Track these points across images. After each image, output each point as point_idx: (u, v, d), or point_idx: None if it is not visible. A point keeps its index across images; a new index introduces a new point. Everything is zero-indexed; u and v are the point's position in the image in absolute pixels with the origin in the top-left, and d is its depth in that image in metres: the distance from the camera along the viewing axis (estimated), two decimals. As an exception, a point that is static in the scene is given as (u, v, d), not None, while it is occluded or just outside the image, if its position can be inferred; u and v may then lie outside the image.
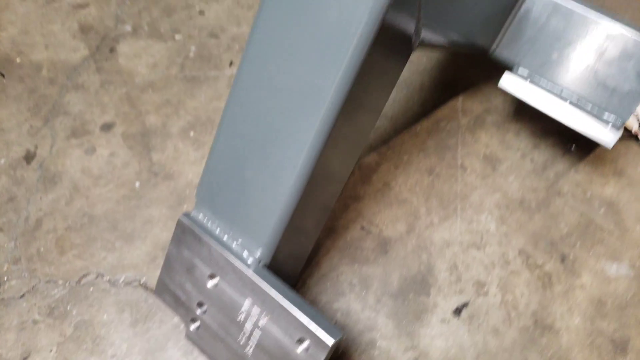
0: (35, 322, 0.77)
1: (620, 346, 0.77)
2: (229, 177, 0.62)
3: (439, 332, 0.78)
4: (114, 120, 0.99)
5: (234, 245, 0.63)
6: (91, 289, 0.80)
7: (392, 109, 1.03)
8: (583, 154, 0.97)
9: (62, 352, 0.75)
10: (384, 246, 0.86)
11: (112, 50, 1.09)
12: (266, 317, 0.60)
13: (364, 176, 0.93)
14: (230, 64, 1.08)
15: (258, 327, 0.61)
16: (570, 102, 0.80)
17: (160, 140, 0.96)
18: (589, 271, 0.84)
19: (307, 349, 0.58)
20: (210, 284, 0.64)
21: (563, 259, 0.85)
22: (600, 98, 0.80)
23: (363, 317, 0.79)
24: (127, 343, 0.75)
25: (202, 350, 0.67)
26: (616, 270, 0.84)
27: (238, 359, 0.63)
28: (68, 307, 0.78)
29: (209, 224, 0.65)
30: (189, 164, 0.94)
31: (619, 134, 0.78)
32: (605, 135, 0.77)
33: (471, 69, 1.10)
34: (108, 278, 0.81)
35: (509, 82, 0.83)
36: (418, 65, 1.10)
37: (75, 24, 1.13)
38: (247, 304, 0.61)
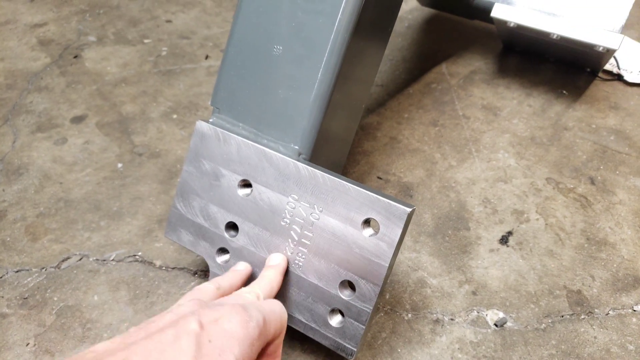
0: (3, 315, 0.58)
1: (682, 249, 0.68)
2: (250, 73, 0.51)
3: (490, 262, 0.65)
4: (86, 113, 0.85)
5: (266, 141, 0.50)
6: (75, 271, 0.62)
7: (380, 79, 0.96)
8: (575, 95, 0.93)
9: (42, 343, 0.56)
10: (407, 191, 0.74)
11: (76, 56, 0.98)
12: (319, 210, 0.46)
13: (368, 134, 0.83)
14: (206, 57, 0.99)
15: (309, 226, 0.47)
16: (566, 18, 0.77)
17: (140, 125, 0.83)
18: (621, 188, 0.75)
19: (376, 230, 0.44)
20: (242, 193, 0.50)
21: (592, 181, 0.76)
22: (591, 10, 0.77)
23: (404, 259, 0.65)
24: (128, 322, 0.57)
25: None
26: (648, 184, 0.76)
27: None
28: (47, 294, 0.60)
29: (233, 127, 0.52)
30: (175, 142, 0.80)
31: (621, 36, 0.74)
32: (610, 38, 0.73)
33: (445, 43, 1.07)
34: (95, 258, 0.64)
35: (501, 10, 0.79)
36: (395, 44, 1.06)
37: (34, 39, 1.02)
38: (291, 202, 0.47)
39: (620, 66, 0.97)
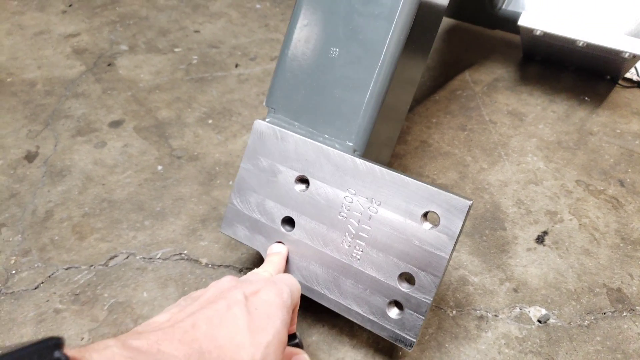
0: (57, 311, 0.58)
1: None
2: (306, 74, 0.52)
3: (529, 260, 0.66)
4: (123, 118, 0.86)
5: (321, 139, 0.51)
6: (123, 269, 0.63)
7: (406, 86, 0.97)
8: (597, 102, 0.94)
9: (96, 338, 0.56)
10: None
11: (110, 64, 0.99)
12: (377, 204, 0.47)
13: (399, 138, 0.84)
14: (236, 65, 1.00)
15: (367, 219, 0.47)
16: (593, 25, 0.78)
17: (177, 129, 0.84)
18: (651, 190, 0.76)
19: (436, 223, 0.45)
20: (298, 188, 0.50)
21: (622, 183, 0.77)
22: (616, 18, 0.78)
23: (444, 257, 0.65)
24: (178, 319, 0.57)
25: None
26: (675, 186, 0.77)
27: (340, 272, 0.49)
28: (97, 291, 0.60)
29: (289, 125, 0.53)
30: (213, 146, 0.81)
31: (650, 43, 0.75)
32: (637, 44, 0.74)
33: (466, 52, 1.08)
34: (142, 256, 0.64)
35: (528, 19, 0.80)
36: (418, 53, 1.07)
37: (68, 48, 1.03)
38: (348, 197, 0.48)
39: (640, 74, 0.99)
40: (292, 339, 0.45)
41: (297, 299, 0.44)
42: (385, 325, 0.47)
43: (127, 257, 0.64)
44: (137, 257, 0.64)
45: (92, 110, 0.87)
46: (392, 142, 0.61)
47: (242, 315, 0.36)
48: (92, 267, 0.63)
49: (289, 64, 0.52)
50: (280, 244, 0.52)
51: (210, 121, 0.86)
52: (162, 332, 0.34)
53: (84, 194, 0.72)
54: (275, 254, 0.51)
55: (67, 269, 0.63)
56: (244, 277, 0.45)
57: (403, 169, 0.78)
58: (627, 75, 0.99)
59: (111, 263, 0.63)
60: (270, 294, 0.40)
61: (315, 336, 0.55)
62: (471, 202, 0.44)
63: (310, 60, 0.51)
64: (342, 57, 0.50)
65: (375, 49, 0.48)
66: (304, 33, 0.51)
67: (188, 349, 0.33)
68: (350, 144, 0.50)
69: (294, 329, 0.46)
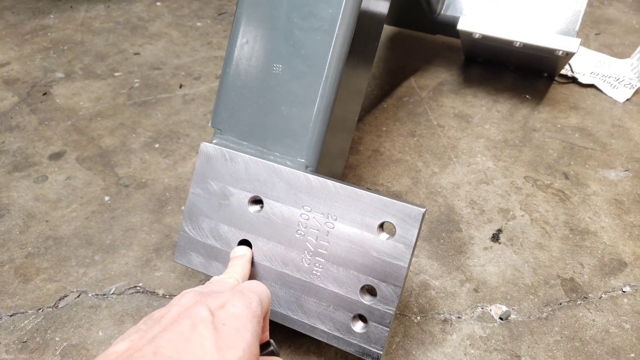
0: (4, 361, 0.55)
1: (656, 232, 0.72)
2: (251, 93, 0.52)
3: (486, 259, 0.68)
4: (64, 149, 0.83)
5: (272, 157, 0.51)
6: (74, 309, 0.60)
7: (354, 95, 0.98)
8: (538, 99, 0.98)
9: (50, 386, 0.53)
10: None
11: (45, 94, 0.96)
12: (333, 219, 0.47)
13: (351, 149, 0.85)
14: (180, 86, 0.99)
15: (325, 235, 0.47)
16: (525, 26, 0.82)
17: (122, 157, 0.82)
18: (593, 180, 0.80)
19: (393, 233, 0.45)
20: (253, 209, 0.50)
21: (566, 176, 0.81)
22: (548, 18, 0.82)
23: (404, 264, 0.66)
24: (137, 355, 0.55)
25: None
26: (615, 174, 0.81)
27: (301, 291, 0.48)
28: (47, 335, 0.57)
29: (237, 146, 0.52)
30: (161, 171, 0.79)
31: (578, 40, 0.79)
32: (569, 42, 0.78)
33: (410, 58, 1.11)
34: (94, 293, 0.62)
35: (466, 23, 0.83)
36: (363, 62, 1.09)
37: (-2, 80, 0.99)
38: (304, 214, 0.48)
39: (574, 70, 1.04)
40: (266, 347, 0.44)
41: (268, 306, 0.42)
42: (351, 341, 0.47)
43: (78, 296, 0.62)
44: (89, 295, 0.62)
45: (29, 143, 0.84)
46: (344, 153, 0.61)
47: (209, 333, 0.34)
48: (40, 311, 0.60)
49: (232, 83, 0.52)
50: (243, 245, 0.50)
51: (157, 145, 0.84)
52: None
53: (25, 233, 0.69)
54: (239, 257, 0.49)
55: (11, 315, 0.59)
56: (209, 285, 0.43)
57: (357, 179, 0.79)
58: (563, 72, 1.04)
59: (61, 304, 0.61)
60: (238, 305, 0.38)
61: (282, 357, 0.55)
62: (424, 209, 0.45)
63: (254, 78, 0.51)
64: (285, 73, 0.50)
65: (319, 63, 0.49)
66: (245, 51, 0.51)
67: None
68: (302, 160, 0.50)
69: (267, 336, 0.44)
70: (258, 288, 0.42)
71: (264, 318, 0.42)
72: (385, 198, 0.46)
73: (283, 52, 0.50)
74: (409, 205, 0.45)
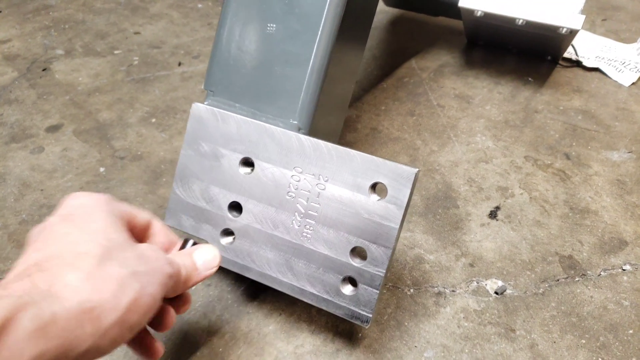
0: (-7, 323, 0.55)
1: (658, 212, 0.71)
2: (244, 53, 0.51)
3: (483, 235, 0.67)
4: (61, 122, 0.83)
5: (264, 119, 0.50)
6: (65, 275, 0.60)
7: (354, 76, 0.98)
8: (540, 82, 0.97)
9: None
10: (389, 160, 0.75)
11: (45, 69, 0.95)
12: (325, 180, 0.46)
13: (349, 127, 0.84)
14: (179, 64, 0.98)
15: (316, 197, 0.46)
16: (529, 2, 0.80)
17: (119, 130, 0.81)
18: (595, 161, 0.79)
19: (384, 194, 0.45)
20: (243, 171, 0.49)
21: (568, 156, 0.80)
22: (554, -3, 0.81)
23: (400, 238, 0.65)
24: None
25: (242, 268, 0.50)
26: (618, 156, 0.80)
27: (291, 253, 0.48)
28: (37, 300, 0.57)
29: (229, 107, 0.51)
30: (157, 144, 0.79)
31: (582, 17, 0.78)
32: (572, 19, 0.77)
33: (411, 41, 1.10)
34: (85, 260, 0.61)
35: (468, 0, 0.82)
36: (365, 44, 1.08)
37: (-2, 55, 0.99)
38: (295, 175, 0.47)
39: (578, 53, 1.02)
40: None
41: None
42: (340, 303, 0.46)
43: (69, 262, 0.61)
44: (80, 261, 0.61)
45: (26, 116, 0.83)
46: (337, 131, 0.61)
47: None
48: (30, 275, 0.59)
49: (225, 43, 0.51)
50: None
51: (153, 120, 0.84)
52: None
53: (20, 201, 0.69)
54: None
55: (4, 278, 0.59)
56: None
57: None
58: (566, 55, 1.03)
59: (52, 269, 0.60)
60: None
61: (273, 325, 0.54)
62: (417, 169, 0.44)
63: (248, 38, 0.51)
64: (279, 32, 0.49)
65: (313, 22, 0.48)
66: (239, 11, 0.50)
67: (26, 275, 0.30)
68: (295, 122, 0.49)
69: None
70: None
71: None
72: (378, 158, 0.45)
73: (277, 11, 0.49)
74: (401, 165, 0.44)
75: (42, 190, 0.70)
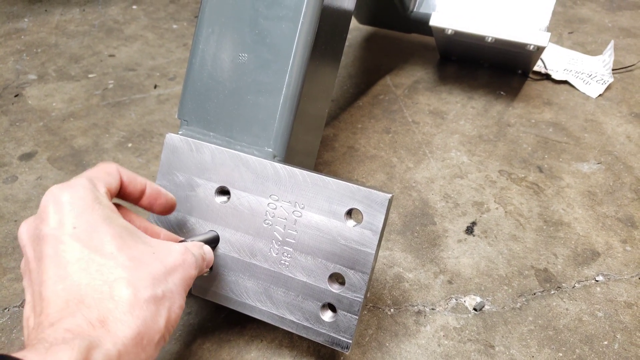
0: (-33, 362, 0.53)
1: (629, 222, 0.72)
2: (217, 82, 0.51)
3: (460, 251, 0.67)
4: (35, 150, 0.81)
5: (239, 147, 0.50)
6: (41, 308, 0.59)
7: (330, 94, 0.98)
8: (512, 95, 0.99)
9: (14, 386, 0.51)
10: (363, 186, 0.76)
11: (17, 95, 0.94)
12: (301, 207, 0.46)
13: (326, 146, 0.85)
14: (155, 86, 0.98)
15: (292, 224, 0.47)
16: (497, 20, 0.82)
17: (95, 156, 0.81)
18: (566, 173, 0.80)
19: (360, 219, 0.45)
20: (219, 200, 0.49)
21: (540, 169, 0.81)
22: (519, 14, 0.83)
23: (379, 257, 0.66)
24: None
25: (221, 298, 0.50)
26: (588, 167, 0.82)
27: (270, 281, 0.48)
28: (12, 335, 0.56)
29: (204, 137, 0.51)
30: (133, 170, 0.78)
31: (548, 34, 0.80)
32: (539, 36, 0.79)
33: (385, 58, 1.11)
34: (62, 292, 0.60)
35: (438, 19, 0.84)
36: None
37: (-31, 82, 0.97)
38: (272, 203, 0.47)
39: (547, 66, 1.05)
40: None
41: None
42: (320, 330, 0.47)
43: (45, 295, 0.60)
44: (57, 294, 0.60)
45: (-2, 144, 0.82)
46: (313, 151, 0.61)
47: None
48: (5, 310, 0.58)
49: (197, 72, 0.51)
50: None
51: (129, 145, 0.83)
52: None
53: (-7, 233, 0.67)
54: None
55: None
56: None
57: (333, 175, 0.78)
58: (536, 68, 1.05)
59: (28, 303, 0.59)
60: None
61: (254, 352, 0.54)
62: (391, 194, 0.44)
63: (220, 67, 0.51)
64: (251, 62, 0.49)
65: (284, 52, 0.48)
66: (211, 40, 0.51)
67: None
68: (270, 149, 0.50)
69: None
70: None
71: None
72: (352, 185, 0.45)
73: (248, 41, 0.50)
74: (374, 191, 0.44)
75: (15, 221, 0.69)
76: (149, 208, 0.44)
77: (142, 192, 0.43)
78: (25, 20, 1.22)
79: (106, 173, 0.41)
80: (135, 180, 0.43)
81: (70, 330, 0.30)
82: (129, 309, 0.32)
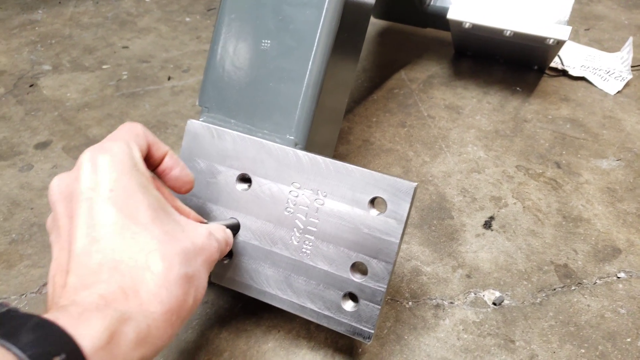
0: (-17, 348, 0.53)
1: (649, 219, 0.71)
2: (239, 69, 0.50)
3: (479, 246, 0.67)
4: (50, 139, 0.81)
5: (260, 135, 0.50)
6: (57, 296, 0.58)
7: (345, 88, 0.98)
8: (528, 91, 0.98)
9: (30, 373, 0.51)
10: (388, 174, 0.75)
11: (32, 85, 0.94)
12: (323, 195, 0.46)
13: (341, 139, 0.84)
14: (169, 78, 0.98)
15: (314, 212, 0.46)
16: (517, 14, 0.81)
17: (109, 146, 0.80)
18: (585, 169, 0.79)
19: (383, 208, 0.44)
20: (241, 187, 0.48)
21: (558, 165, 0.80)
22: (538, 7, 0.82)
23: (396, 250, 0.65)
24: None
25: (241, 286, 0.49)
26: (607, 164, 0.81)
27: (291, 270, 0.47)
28: (29, 322, 0.55)
29: (225, 124, 0.51)
30: (149, 160, 0.78)
31: (569, 28, 0.79)
32: (559, 30, 0.78)
33: (400, 52, 1.11)
34: (78, 280, 0.60)
35: (456, 12, 0.83)
36: (354, 56, 1.08)
37: (-16, 72, 0.97)
38: (294, 191, 0.46)
39: (564, 63, 1.04)
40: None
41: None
42: (342, 320, 0.46)
43: (61, 283, 0.60)
44: (73, 282, 0.60)
45: (14, 133, 0.82)
46: (332, 143, 0.60)
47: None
48: (23, 296, 0.58)
49: (219, 59, 0.51)
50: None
51: (145, 135, 0.83)
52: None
53: (9, 220, 0.67)
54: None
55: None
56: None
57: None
58: (552, 64, 1.04)
59: (44, 289, 0.59)
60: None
61: (271, 342, 0.53)
62: (416, 184, 0.44)
63: (242, 54, 0.50)
64: (274, 49, 0.49)
65: (308, 38, 0.48)
66: (233, 27, 0.50)
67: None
68: (291, 137, 0.49)
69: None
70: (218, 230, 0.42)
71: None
72: (377, 173, 0.44)
73: (271, 28, 0.49)
74: (400, 179, 0.44)
75: (32, 208, 0.69)
76: (163, 176, 0.43)
77: (162, 158, 0.42)
78: (40, 12, 1.22)
79: (136, 135, 0.39)
80: (158, 144, 0.42)
81: (105, 297, 0.30)
82: (163, 283, 0.32)
